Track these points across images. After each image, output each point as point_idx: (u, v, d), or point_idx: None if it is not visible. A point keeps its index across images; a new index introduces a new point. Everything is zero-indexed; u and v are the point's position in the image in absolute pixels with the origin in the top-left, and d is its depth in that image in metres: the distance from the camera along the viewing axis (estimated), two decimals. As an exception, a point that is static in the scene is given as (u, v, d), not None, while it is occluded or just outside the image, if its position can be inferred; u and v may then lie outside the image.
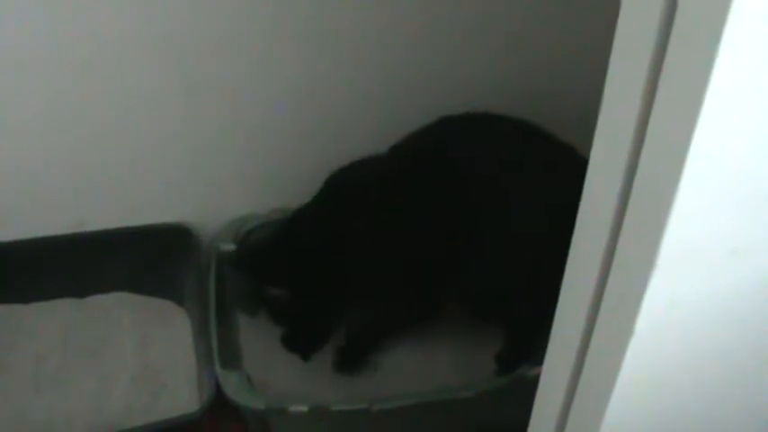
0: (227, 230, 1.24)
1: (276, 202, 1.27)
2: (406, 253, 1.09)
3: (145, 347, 1.21)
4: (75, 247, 1.24)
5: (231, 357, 1.11)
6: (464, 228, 1.07)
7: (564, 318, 0.60)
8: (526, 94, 1.22)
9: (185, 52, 1.10)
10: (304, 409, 1.01)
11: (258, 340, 1.18)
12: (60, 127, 1.14)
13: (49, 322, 1.23)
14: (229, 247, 1.22)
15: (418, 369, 1.18)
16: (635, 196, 0.47)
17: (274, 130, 1.22)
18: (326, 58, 1.16)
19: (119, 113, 1.14)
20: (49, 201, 1.21)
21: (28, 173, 1.18)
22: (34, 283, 1.25)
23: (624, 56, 0.46)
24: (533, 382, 0.67)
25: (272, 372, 1.16)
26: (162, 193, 1.24)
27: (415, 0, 1.13)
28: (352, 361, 1.17)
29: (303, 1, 1.09)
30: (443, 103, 1.18)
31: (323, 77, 1.17)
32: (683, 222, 0.43)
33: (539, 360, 0.66)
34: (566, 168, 1.01)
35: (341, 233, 1.11)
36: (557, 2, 1.18)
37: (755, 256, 0.49)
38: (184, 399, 1.13)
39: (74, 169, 1.19)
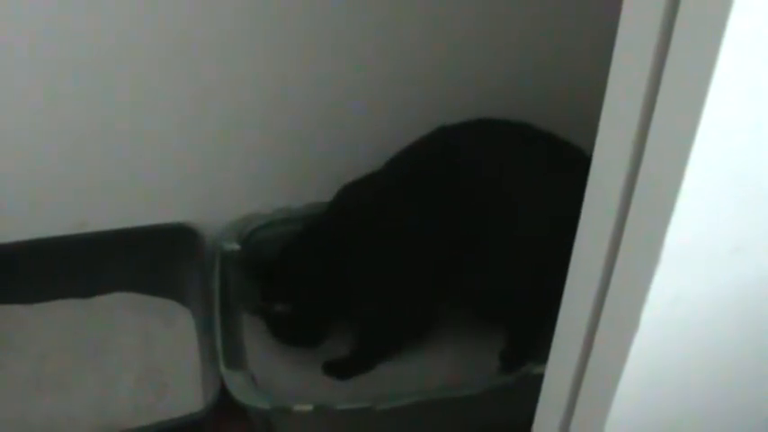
0: (231, 230, 1.24)
1: (280, 201, 1.27)
2: (411, 257, 1.10)
3: (149, 347, 1.21)
4: (78, 248, 1.24)
5: (235, 357, 1.11)
6: (469, 231, 1.07)
7: (568, 314, 0.60)
8: (528, 94, 1.22)
9: (190, 52, 1.10)
10: (308, 408, 1.01)
11: (262, 340, 1.18)
12: (63, 128, 1.14)
13: (52, 323, 1.24)
14: (233, 246, 1.22)
15: (422, 368, 1.18)
16: (638, 192, 0.47)
17: (278, 129, 1.22)
18: (330, 58, 1.16)
19: (122, 114, 1.14)
20: (52, 202, 1.21)
21: (30, 174, 1.18)
22: (38, 284, 1.25)
23: (626, 54, 0.46)
24: (538, 380, 0.67)
25: (276, 371, 1.16)
26: (165, 194, 1.25)
27: (416, 0, 1.14)
28: (355, 372, 1.18)
29: (305, 1, 1.10)
30: (444, 102, 1.18)
31: (327, 77, 1.17)
32: (686, 219, 0.44)
33: (543, 357, 0.66)
34: (570, 169, 1.02)
35: (350, 243, 1.11)
36: (558, 2, 1.18)
37: (759, 253, 0.49)
38: (189, 399, 1.13)
39: (77, 170, 1.19)
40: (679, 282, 0.48)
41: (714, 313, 0.51)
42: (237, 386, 1.03)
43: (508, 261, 1.08)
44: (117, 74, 1.10)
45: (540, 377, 0.67)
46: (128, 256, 1.25)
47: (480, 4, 1.16)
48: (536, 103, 1.18)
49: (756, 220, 0.47)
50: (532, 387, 0.70)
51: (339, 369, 1.17)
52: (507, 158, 1.09)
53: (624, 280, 0.51)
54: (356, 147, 1.22)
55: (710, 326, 0.52)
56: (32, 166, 1.18)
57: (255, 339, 1.18)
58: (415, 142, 1.11)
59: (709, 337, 0.53)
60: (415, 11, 1.15)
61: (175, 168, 1.22)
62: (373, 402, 1.02)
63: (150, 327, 1.24)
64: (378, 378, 1.17)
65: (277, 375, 1.15)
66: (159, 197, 1.25)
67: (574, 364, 0.58)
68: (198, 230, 1.25)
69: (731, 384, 0.58)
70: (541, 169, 1.08)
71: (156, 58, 1.10)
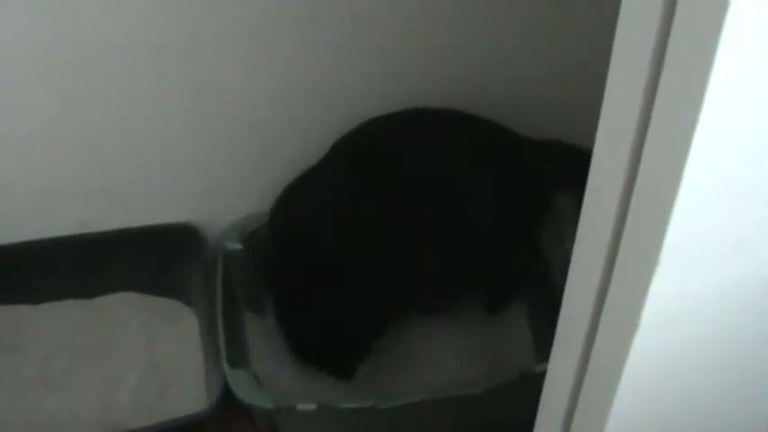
0: (234, 229, 1.24)
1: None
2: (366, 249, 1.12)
3: (152, 347, 1.21)
4: (81, 248, 1.24)
5: (238, 356, 1.11)
6: (418, 219, 1.10)
7: (569, 313, 0.60)
8: (526, 95, 1.22)
9: (192, 53, 1.10)
10: (312, 407, 1.01)
11: (265, 339, 1.18)
12: (65, 128, 1.14)
13: (56, 323, 1.24)
14: (236, 246, 1.22)
15: (424, 367, 1.18)
16: (637, 192, 0.47)
17: (279, 128, 1.22)
18: (330, 59, 1.16)
19: (123, 114, 1.14)
20: (55, 202, 1.21)
21: (32, 174, 1.18)
22: (41, 285, 1.25)
23: (625, 53, 0.46)
24: (540, 379, 0.67)
25: (279, 370, 1.16)
26: (168, 193, 1.25)
27: (415, 1, 1.14)
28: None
29: (306, 2, 1.10)
30: (443, 102, 1.18)
31: (328, 76, 1.17)
32: (685, 218, 0.43)
33: (545, 356, 0.66)
34: (501, 147, 1.11)
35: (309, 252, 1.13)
36: (557, 2, 1.18)
37: (760, 250, 0.49)
38: (192, 398, 1.13)
39: (79, 170, 1.19)
40: (680, 280, 0.47)
41: (716, 311, 0.51)
42: (241, 385, 1.03)
43: (459, 245, 1.12)
44: (119, 74, 1.10)
45: (542, 376, 0.67)
46: (131, 256, 1.25)
47: (479, 6, 1.16)
48: (535, 104, 1.19)
49: (757, 218, 0.47)
50: (535, 386, 0.70)
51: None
52: (438, 145, 1.12)
53: (624, 278, 0.50)
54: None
55: (712, 324, 0.52)
56: (35, 167, 1.18)
57: (258, 338, 1.18)
58: (345, 137, 1.14)
59: (711, 336, 0.53)
60: (415, 12, 1.15)
61: (178, 168, 1.22)
62: (377, 401, 1.02)
63: (153, 326, 1.24)
64: (381, 377, 1.17)
65: (280, 374, 1.15)
66: (161, 197, 1.25)
67: (575, 363, 0.58)
68: (200, 230, 1.25)
69: (733, 383, 0.58)
70: (474, 152, 1.12)
71: (158, 59, 1.10)
